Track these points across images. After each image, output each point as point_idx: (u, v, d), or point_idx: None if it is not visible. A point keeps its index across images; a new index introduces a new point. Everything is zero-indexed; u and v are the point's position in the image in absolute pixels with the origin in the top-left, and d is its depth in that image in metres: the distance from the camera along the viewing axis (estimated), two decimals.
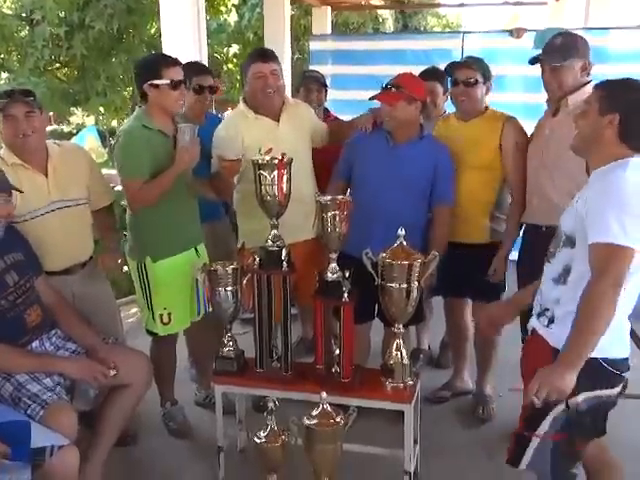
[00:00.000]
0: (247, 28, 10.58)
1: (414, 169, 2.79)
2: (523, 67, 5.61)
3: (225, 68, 10.03)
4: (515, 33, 5.70)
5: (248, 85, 2.87)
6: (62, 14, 6.80)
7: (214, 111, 4.54)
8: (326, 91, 3.87)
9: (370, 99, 2.78)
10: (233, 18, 9.72)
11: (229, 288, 2.53)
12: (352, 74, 6.21)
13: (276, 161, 2.41)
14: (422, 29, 16.05)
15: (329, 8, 11.80)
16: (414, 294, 2.39)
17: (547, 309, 1.98)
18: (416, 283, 2.37)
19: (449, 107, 3.38)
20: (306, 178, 2.97)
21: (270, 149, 2.50)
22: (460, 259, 2.91)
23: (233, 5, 9.32)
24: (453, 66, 3.01)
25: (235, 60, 10.50)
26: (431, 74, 3.40)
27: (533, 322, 2.07)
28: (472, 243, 2.99)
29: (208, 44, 10.10)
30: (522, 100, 5.59)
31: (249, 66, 2.85)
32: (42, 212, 2.58)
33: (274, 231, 2.50)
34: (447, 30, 15.59)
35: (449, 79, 3.07)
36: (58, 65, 7.64)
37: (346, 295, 2.41)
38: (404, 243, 2.37)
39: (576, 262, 1.88)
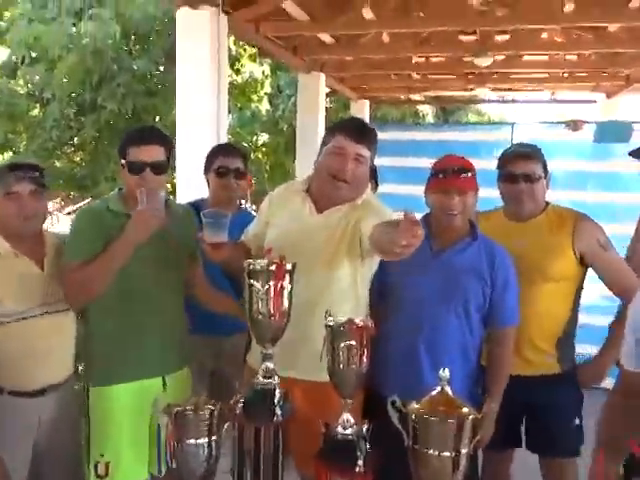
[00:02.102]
0: (281, 118, 10.41)
1: (467, 281, 2.18)
2: (583, 162, 5.20)
3: (252, 157, 9.73)
4: (572, 125, 5.18)
5: (320, 157, 2.23)
6: (74, 94, 6.59)
7: (248, 205, 4.11)
8: (376, 183, 3.38)
9: (438, 186, 2.19)
10: (266, 106, 9.53)
11: (201, 440, 1.85)
12: (394, 166, 5.72)
13: (273, 267, 1.79)
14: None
15: (367, 102, 11.69)
16: (461, 465, 1.68)
17: None
18: (465, 450, 1.67)
19: None
20: (340, 297, 2.17)
21: (269, 250, 1.91)
22: (522, 398, 2.24)
23: (265, 93, 9.15)
24: (508, 157, 2.43)
25: (264, 149, 10.24)
26: None
27: None
28: (538, 375, 2.36)
29: (238, 133, 9.94)
30: (581, 199, 5.01)
31: (332, 135, 2.20)
32: (33, 313, 2.13)
33: (267, 363, 1.84)
34: (495, 121, 15.05)
35: (499, 172, 2.49)
36: (68, 148, 7.37)
37: (362, 462, 1.71)
38: (448, 390, 1.69)
39: None
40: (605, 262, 2.36)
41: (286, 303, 1.83)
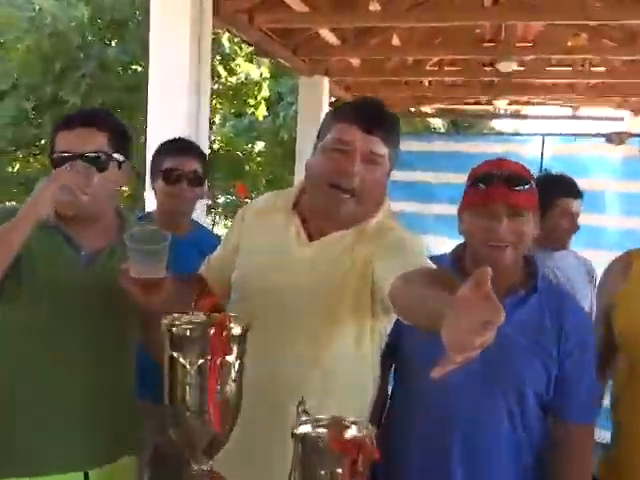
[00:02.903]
0: (282, 127, 9.76)
1: (523, 355, 1.46)
2: (627, 183, 4.50)
3: (247, 167, 9.03)
4: (615, 139, 4.48)
5: (314, 157, 1.52)
6: (33, 86, 5.79)
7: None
8: None
9: (477, 201, 1.49)
10: (263, 113, 8.88)
11: None
12: (399, 181, 5.00)
13: (211, 330, 1.09)
14: None
15: None
16: None
17: None
18: None
19: None
20: (335, 373, 1.45)
21: (207, 296, 1.23)
22: None
23: (263, 98, 8.48)
24: None
25: (259, 159, 9.54)
26: (563, 184, 2.46)
27: None
28: None
29: (231, 140, 9.24)
30: (622, 225, 4.31)
31: (332, 124, 1.48)
32: None
33: None
34: (522, 133, 13.79)
35: None
36: (28, 149, 6.59)
37: None
38: None
39: None
40: None
41: (233, 390, 1.13)
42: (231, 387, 1.12)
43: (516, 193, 1.43)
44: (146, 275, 1.40)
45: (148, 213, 2.34)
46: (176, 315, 1.13)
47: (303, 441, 1.06)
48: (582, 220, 2.61)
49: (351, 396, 1.44)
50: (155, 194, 2.26)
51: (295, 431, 1.08)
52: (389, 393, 1.59)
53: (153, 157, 2.26)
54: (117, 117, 1.76)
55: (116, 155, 1.60)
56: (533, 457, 1.49)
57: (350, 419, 1.13)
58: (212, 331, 1.09)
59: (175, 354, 1.10)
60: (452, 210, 1.74)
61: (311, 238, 1.49)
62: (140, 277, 1.39)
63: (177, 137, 2.32)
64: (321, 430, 1.11)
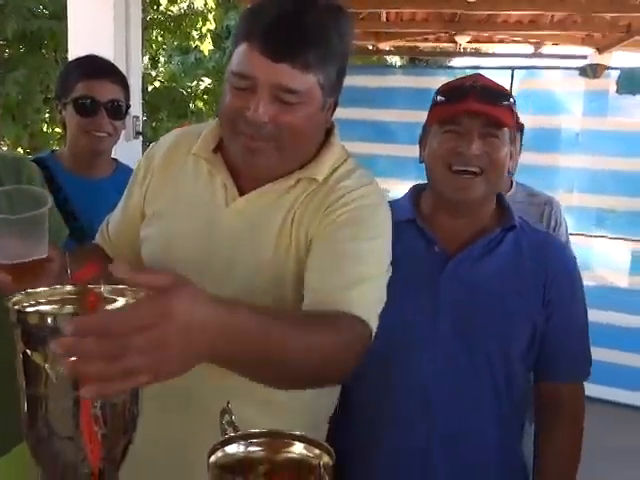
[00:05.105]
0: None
1: (497, 310, 1.22)
2: (603, 119, 4.24)
3: (193, 106, 8.48)
4: (590, 71, 4.19)
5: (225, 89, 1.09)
6: None
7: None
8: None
9: (443, 117, 1.24)
10: (209, 47, 8.29)
11: None
12: (358, 119, 4.62)
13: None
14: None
15: None
16: None
17: None
18: None
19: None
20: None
21: (88, 263, 0.86)
22: None
23: (208, 31, 7.89)
24: None
25: (206, 97, 8.97)
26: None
27: None
28: None
29: (174, 77, 8.65)
30: (606, 167, 4.06)
31: (236, 44, 1.04)
32: None
33: None
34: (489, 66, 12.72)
35: None
36: None
37: None
38: None
39: None
40: None
41: (122, 399, 0.78)
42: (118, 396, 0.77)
43: (491, 106, 1.18)
44: (19, 256, 1.00)
45: (53, 151, 1.95)
46: (29, 293, 0.77)
47: (223, 472, 0.73)
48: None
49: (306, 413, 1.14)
50: (64, 127, 1.86)
51: (213, 458, 0.75)
52: None
53: (61, 80, 1.85)
54: None
55: None
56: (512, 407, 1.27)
57: (296, 433, 0.81)
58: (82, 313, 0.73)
59: (28, 351, 0.74)
60: (413, 152, 1.45)
61: (242, 191, 1.12)
62: (7, 261, 0.99)
63: (91, 55, 1.90)
64: (253, 450, 0.80)
